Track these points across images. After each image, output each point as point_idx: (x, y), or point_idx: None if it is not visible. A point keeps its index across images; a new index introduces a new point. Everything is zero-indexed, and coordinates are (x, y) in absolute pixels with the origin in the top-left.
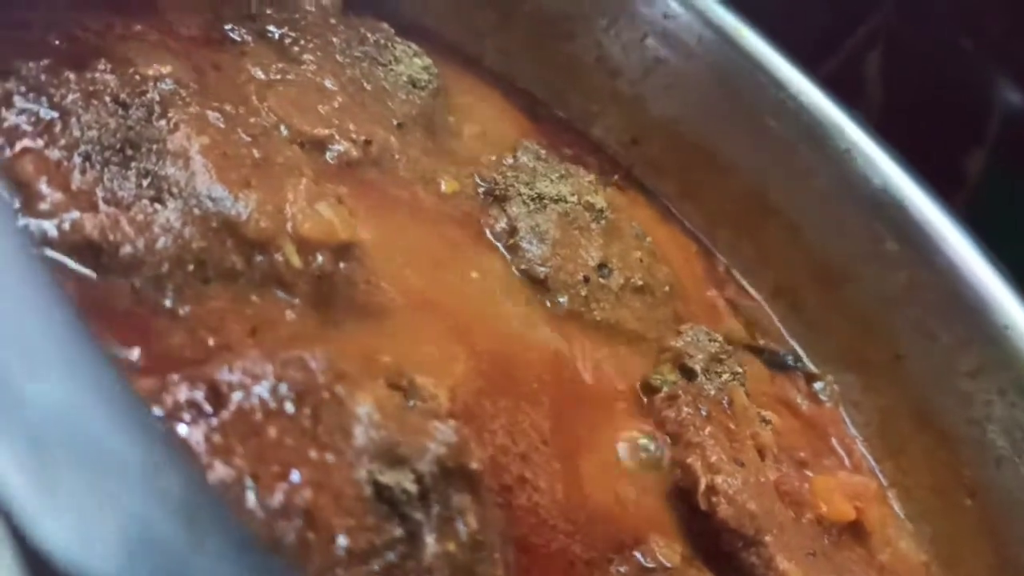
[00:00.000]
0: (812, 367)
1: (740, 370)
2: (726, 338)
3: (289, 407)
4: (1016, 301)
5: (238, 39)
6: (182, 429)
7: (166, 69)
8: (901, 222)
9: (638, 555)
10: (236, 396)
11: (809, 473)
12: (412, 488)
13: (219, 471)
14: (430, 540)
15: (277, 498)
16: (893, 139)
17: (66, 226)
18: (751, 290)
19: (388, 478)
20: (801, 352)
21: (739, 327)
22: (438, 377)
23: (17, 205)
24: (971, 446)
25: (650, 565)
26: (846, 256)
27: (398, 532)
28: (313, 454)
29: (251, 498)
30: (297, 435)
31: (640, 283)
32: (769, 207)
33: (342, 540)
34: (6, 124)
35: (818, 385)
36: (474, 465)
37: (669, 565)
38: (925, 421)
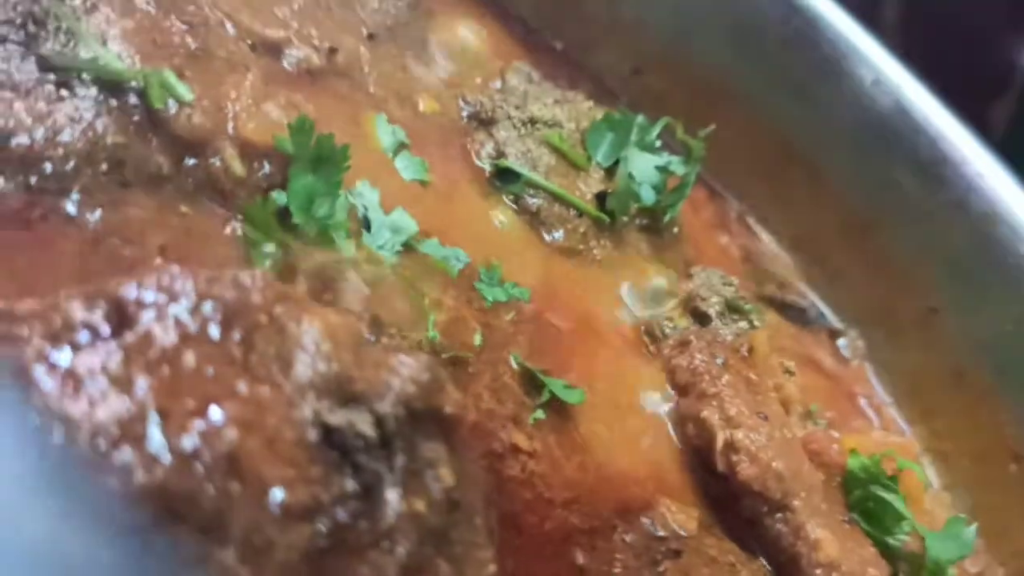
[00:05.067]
0: (835, 322)
1: (757, 320)
2: (742, 287)
3: (213, 330)
4: None
5: None
6: (68, 356)
7: None
8: (934, 159)
9: (646, 521)
10: (146, 316)
11: (836, 434)
12: (370, 432)
13: (112, 405)
14: (392, 496)
15: (190, 439)
16: (916, 42)
17: None
18: (767, 238)
19: (339, 419)
20: (822, 306)
21: (753, 276)
22: (406, 316)
23: None
24: (1015, 405)
25: (661, 533)
26: (873, 200)
27: (350, 486)
28: (242, 387)
29: (155, 437)
30: (222, 364)
31: (644, 221)
32: (786, 147)
33: (277, 493)
34: None
35: (842, 342)
36: (449, 409)
37: (684, 533)
38: (962, 379)
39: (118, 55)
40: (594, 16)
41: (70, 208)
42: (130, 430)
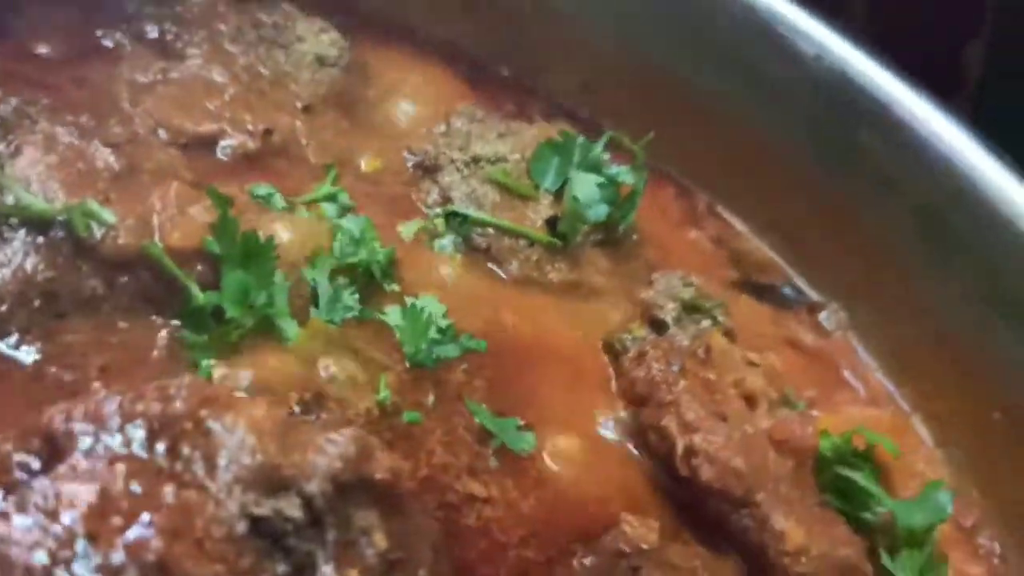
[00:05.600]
0: (815, 296)
1: (720, 315)
2: (712, 281)
3: (138, 449)
4: None
5: (111, 45)
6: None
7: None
8: (889, 125)
9: (608, 540)
10: (77, 445)
11: (816, 413)
12: (298, 515)
13: (43, 538)
14: (327, 570)
15: (118, 555)
16: (884, 35)
17: None
18: (741, 226)
19: (265, 509)
20: (801, 283)
21: (728, 266)
22: (351, 390)
23: None
24: (996, 360)
25: (623, 548)
26: (838, 173)
27: (282, 569)
28: (168, 496)
29: (85, 560)
30: (148, 478)
31: (600, 237)
32: (746, 134)
33: None
34: None
35: (823, 316)
36: (379, 475)
37: (646, 546)
38: (944, 340)
39: (42, 194)
40: (537, 39)
41: (7, 349)
42: (60, 557)
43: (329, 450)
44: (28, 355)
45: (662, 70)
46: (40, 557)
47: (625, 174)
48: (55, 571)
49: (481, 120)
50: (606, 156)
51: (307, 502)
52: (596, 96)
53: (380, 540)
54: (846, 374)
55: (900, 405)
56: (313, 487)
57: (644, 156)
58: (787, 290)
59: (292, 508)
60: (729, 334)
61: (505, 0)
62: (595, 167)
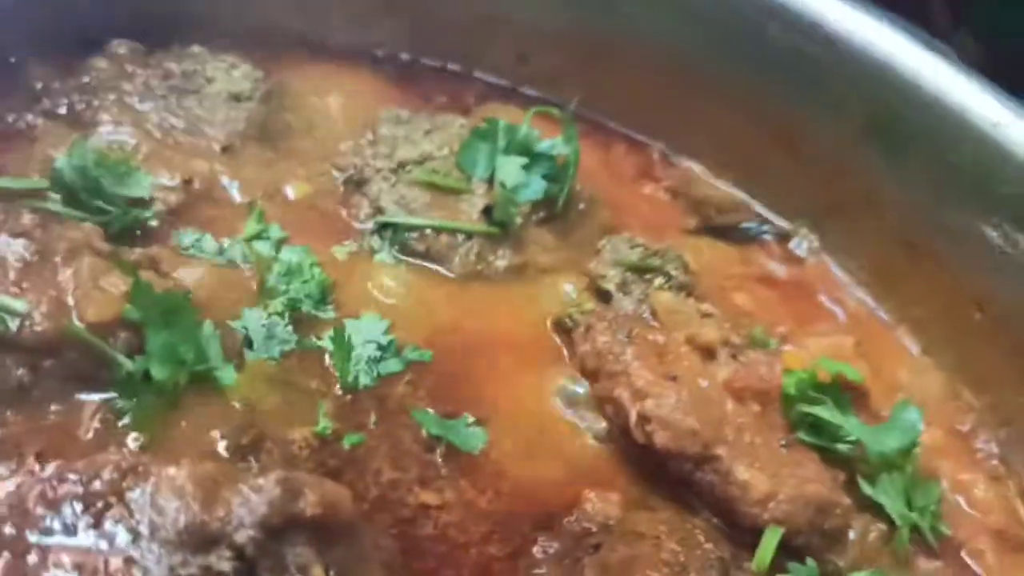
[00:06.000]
0: (784, 225)
1: (674, 270)
2: (671, 232)
3: (69, 530)
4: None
5: (24, 127)
6: None
7: None
8: (834, 46)
9: (570, 522)
10: (15, 532)
11: (788, 348)
12: (227, 568)
13: None
14: None
15: None
16: None
17: None
18: (698, 168)
19: (193, 568)
20: (767, 214)
21: (688, 214)
22: (289, 427)
23: None
24: (966, 256)
25: (587, 526)
26: (784, 97)
27: None
28: (100, 571)
29: None
30: (81, 557)
31: (542, 214)
32: (688, 73)
33: None
34: None
35: (793, 243)
36: (310, 511)
37: (611, 521)
38: (914, 248)
39: None
40: (464, 23)
41: None
42: None
43: (252, 498)
44: None
45: (592, 24)
46: None
47: (559, 146)
48: None
49: (407, 121)
50: (535, 133)
51: (238, 552)
52: (532, 66)
53: (319, 573)
54: (823, 299)
55: (882, 319)
56: (241, 536)
57: (574, 123)
58: (752, 225)
59: (222, 562)
60: (683, 287)
61: None
62: (523, 147)
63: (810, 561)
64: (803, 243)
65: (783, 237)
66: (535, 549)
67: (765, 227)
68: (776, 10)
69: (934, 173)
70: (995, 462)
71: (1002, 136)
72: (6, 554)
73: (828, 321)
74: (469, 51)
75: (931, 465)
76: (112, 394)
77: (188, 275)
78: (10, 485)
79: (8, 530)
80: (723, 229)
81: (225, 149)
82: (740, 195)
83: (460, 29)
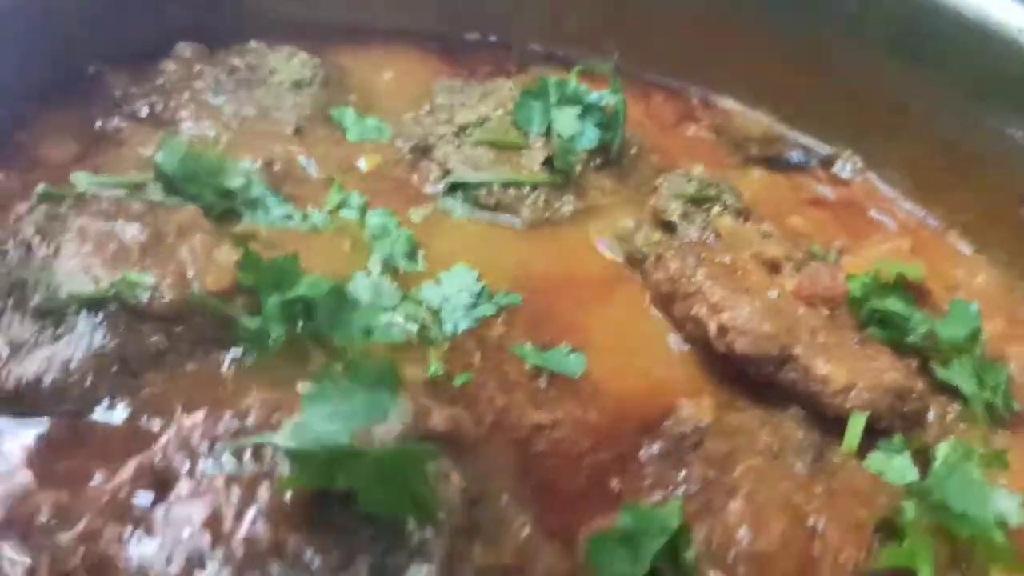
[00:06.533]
0: (826, 150)
1: (729, 198)
2: (721, 168)
3: (227, 465)
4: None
5: (111, 131)
6: (129, 531)
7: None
8: None
9: (669, 425)
10: (182, 472)
11: (845, 258)
12: None
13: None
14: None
15: (238, 551)
16: None
17: None
18: (736, 107)
19: None
20: (809, 142)
21: (733, 150)
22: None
23: None
24: (1003, 153)
25: (684, 430)
26: (809, 25)
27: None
28: (263, 491)
29: (213, 564)
30: (245, 483)
31: (599, 161)
32: (718, 19)
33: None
34: None
35: (838, 166)
36: (440, 427)
37: (703, 423)
38: (953, 150)
39: (89, 280)
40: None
41: (102, 415)
42: (192, 564)
43: (391, 421)
44: (120, 415)
45: None
46: (174, 569)
47: (606, 96)
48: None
49: (460, 90)
50: (583, 87)
51: None
52: (566, 27)
53: (457, 480)
54: (873, 214)
55: (932, 226)
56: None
57: (617, 74)
58: (796, 154)
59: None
60: (741, 213)
61: None
62: (574, 100)
63: (897, 436)
64: (847, 165)
65: (827, 162)
66: (640, 453)
67: (809, 155)
68: None
69: (962, 82)
70: None
71: None
72: (185, 485)
73: (881, 233)
74: (505, 21)
75: (997, 351)
76: (239, 350)
77: (287, 245)
78: (168, 435)
79: (179, 468)
80: (768, 161)
81: (296, 132)
82: (780, 128)
83: (494, 1)
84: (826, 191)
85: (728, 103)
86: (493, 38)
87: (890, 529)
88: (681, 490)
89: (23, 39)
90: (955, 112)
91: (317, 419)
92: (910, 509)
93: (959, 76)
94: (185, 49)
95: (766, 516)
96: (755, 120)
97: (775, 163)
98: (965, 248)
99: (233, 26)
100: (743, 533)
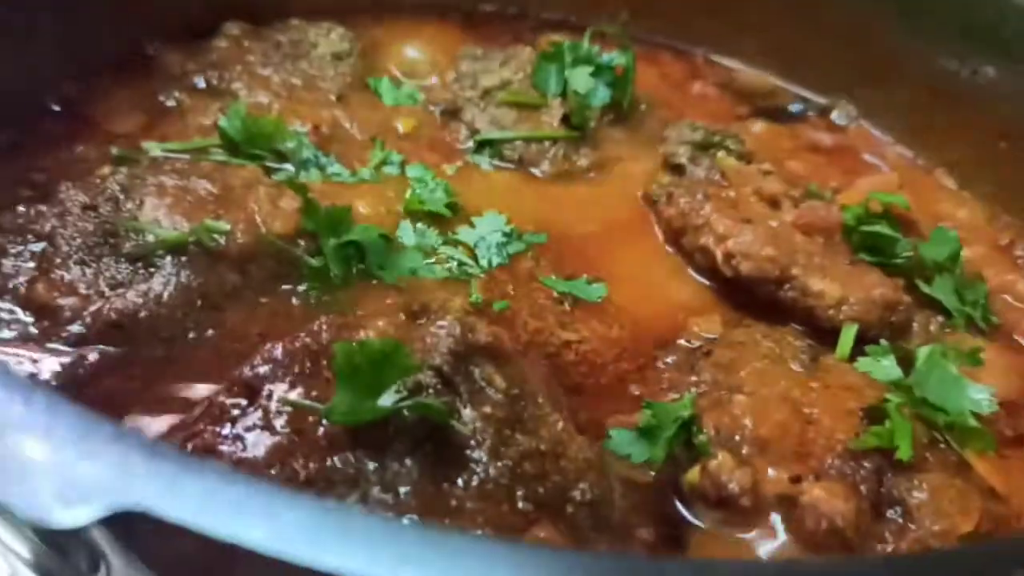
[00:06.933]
0: (823, 100)
1: (732, 144)
2: (726, 120)
3: (308, 368)
4: None
5: (174, 103)
6: (229, 429)
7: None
8: None
9: (682, 341)
10: (268, 381)
11: (838, 195)
12: (432, 381)
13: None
14: (466, 412)
15: (321, 441)
16: None
17: (88, 320)
18: (738, 64)
19: (410, 383)
20: (807, 94)
21: (737, 103)
22: (449, 299)
23: (46, 324)
24: (985, 93)
25: (695, 344)
26: None
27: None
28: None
29: (302, 449)
30: (319, 383)
31: (611, 116)
32: None
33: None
34: (6, 268)
35: (834, 115)
36: (483, 339)
37: (713, 336)
38: (941, 95)
39: (171, 227)
40: None
41: (192, 338)
42: (285, 452)
43: (440, 333)
44: (208, 341)
45: None
46: (271, 455)
47: (616, 57)
48: (288, 462)
49: (483, 57)
50: (595, 49)
51: (437, 371)
52: None
53: (499, 382)
54: (866, 157)
55: (921, 165)
56: (436, 360)
57: (627, 35)
58: (795, 105)
59: (427, 377)
60: (743, 156)
61: None
62: (587, 61)
63: (883, 342)
64: (842, 113)
65: (824, 111)
66: (657, 363)
67: (807, 105)
68: None
69: (949, 16)
70: None
71: None
72: (273, 391)
73: (873, 172)
74: None
75: (978, 272)
76: (305, 285)
77: (338, 197)
78: (257, 353)
79: (265, 377)
80: (770, 111)
81: (339, 99)
82: (779, 82)
83: None
84: (823, 138)
85: (731, 61)
86: (511, 9)
87: (876, 415)
88: (693, 390)
89: (93, 20)
90: (940, 58)
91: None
92: (895, 398)
93: (950, 12)
94: (232, 27)
95: (767, 407)
96: (756, 75)
97: (776, 114)
98: (951, 184)
99: (271, 4)
100: (747, 421)
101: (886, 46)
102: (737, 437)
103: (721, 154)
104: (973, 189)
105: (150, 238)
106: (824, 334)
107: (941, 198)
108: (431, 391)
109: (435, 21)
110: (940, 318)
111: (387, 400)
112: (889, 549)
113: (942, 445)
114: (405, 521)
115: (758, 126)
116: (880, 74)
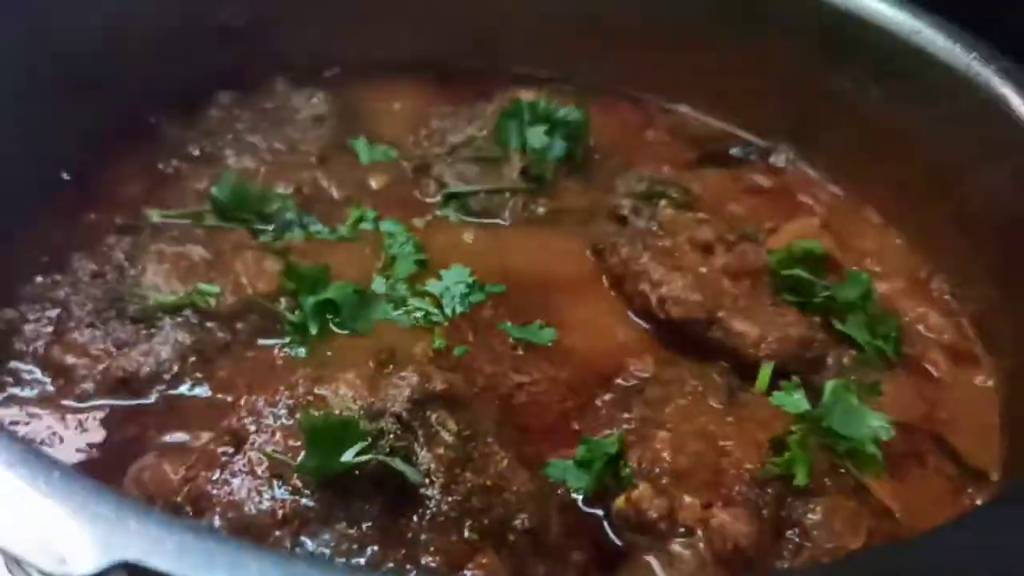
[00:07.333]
0: (764, 144)
1: (674, 192)
2: (676, 166)
3: (284, 419)
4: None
5: (172, 171)
6: (218, 474)
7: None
8: None
9: (620, 380)
10: (251, 430)
11: (771, 235)
12: (391, 426)
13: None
14: (422, 453)
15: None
16: None
17: (98, 378)
18: (687, 110)
19: (370, 428)
20: (750, 137)
21: (687, 149)
22: (413, 346)
23: (62, 383)
24: (904, 137)
25: (631, 383)
26: (742, 33)
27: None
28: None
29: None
30: (299, 434)
31: (568, 168)
32: (669, 36)
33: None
34: (27, 334)
35: (774, 158)
36: (439, 386)
37: (647, 375)
38: (867, 138)
39: (169, 291)
40: (477, 31)
41: (187, 391)
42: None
43: (401, 384)
44: (201, 392)
45: (581, 11)
46: (254, 497)
47: (572, 112)
48: (270, 503)
49: (452, 114)
50: (552, 105)
51: (397, 418)
52: (542, 52)
53: (452, 426)
54: (801, 197)
55: (850, 203)
56: (397, 408)
57: (581, 93)
58: (739, 149)
59: (388, 423)
60: (683, 204)
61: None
62: (544, 117)
63: (795, 377)
64: (782, 156)
65: (765, 154)
66: (597, 401)
67: (750, 148)
68: None
69: (874, 78)
70: (947, 297)
71: (922, 41)
72: (255, 439)
73: (806, 212)
74: (487, 50)
75: (894, 305)
76: (286, 339)
77: (318, 255)
78: (240, 404)
79: (249, 428)
80: (717, 156)
81: (320, 160)
82: (726, 127)
83: (476, 35)
84: (763, 180)
85: (683, 107)
86: (478, 65)
87: (781, 446)
88: (625, 426)
89: (102, 96)
90: (865, 104)
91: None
92: (799, 430)
93: (868, 71)
94: (224, 96)
95: (685, 441)
96: (705, 121)
97: (722, 158)
98: (877, 220)
99: (260, 69)
100: (666, 455)
101: (819, 92)
102: (657, 469)
103: (664, 202)
104: (897, 224)
105: (151, 302)
106: (747, 369)
107: (867, 234)
108: (391, 435)
109: (410, 80)
110: (853, 352)
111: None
112: (786, 565)
113: (843, 470)
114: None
115: (704, 171)
116: (814, 119)
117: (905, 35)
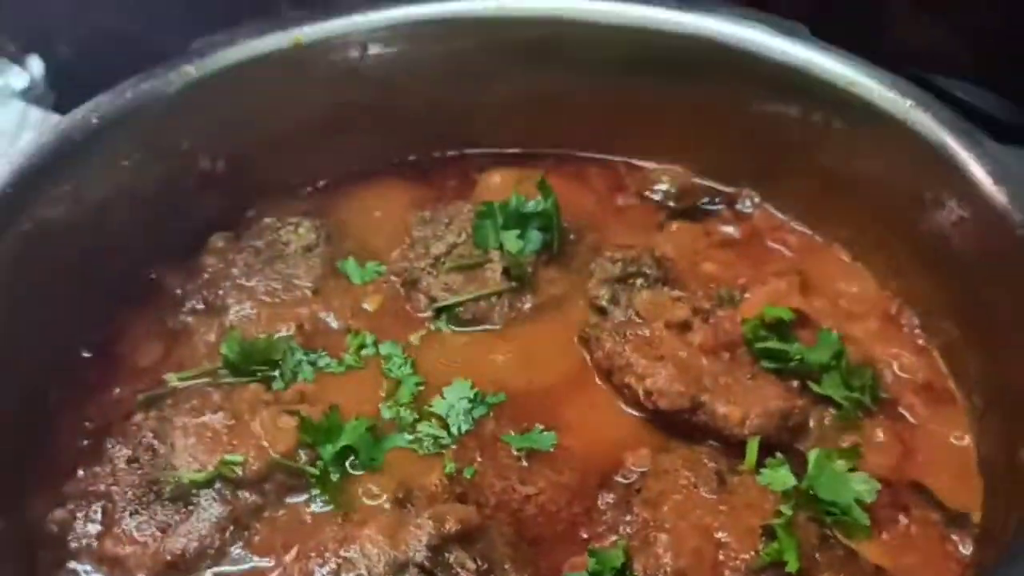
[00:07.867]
0: (729, 190)
1: (648, 268)
2: (646, 229)
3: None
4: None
5: (181, 327)
6: None
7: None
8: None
9: (619, 477)
10: None
11: (748, 295)
12: (416, 574)
13: None
14: None
15: None
16: None
17: (149, 563)
18: (652, 166)
19: None
20: (716, 185)
21: (656, 210)
22: (426, 476)
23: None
24: (862, 178)
25: (631, 479)
26: (706, 90)
27: None
28: None
29: None
30: None
31: (544, 258)
32: (627, 100)
33: None
34: (79, 531)
35: (740, 204)
36: (453, 528)
37: (645, 469)
38: (830, 178)
39: (198, 465)
40: (444, 120)
41: (230, 566)
42: None
43: (419, 534)
44: (243, 560)
45: (541, 87)
46: None
47: (540, 203)
48: None
49: (431, 220)
50: (522, 199)
51: (420, 567)
52: (509, 130)
53: (470, 564)
54: (769, 243)
55: (819, 242)
56: (419, 558)
57: (547, 184)
58: (706, 201)
59: (412, 573)
60: (658, 280)
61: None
62: (516, 214)
63: (778, 454)
64: (747, 201)
65: (731, 201)
66: (600, 503)
67: (717, 199)
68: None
69: (833, 120)
70: (917, 331)
71: (860, 91)
72: None
73: (776, 258)
74: (457, 137)
75: (869, 351)
76: (313, 492)
77: (327, 389)
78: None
79: None
80: (686, 211)
81: (315, 292)
82: (692, 179)
83: (444, 128)
84: (732, 230)
85: (648, 163)
86: (452, 152)
87: (772, 532)
88: (627, 531)
89: (101, 261)
90: (830, 144)
91: None
92: (786, 511)
93: (823, 121)
94: (218, 240)
95: (684, 540)
96: (672, 176)
97: (691, 212)
98: (846, 258)
99: (243, 200)
100: (667, 559)
101: (781, 136)
102: (661, 573)
103: (640, 281)
104: (865, 261)
105: (184, 480)
106: (736, 446)
107: (838, 273)
108: None
109: (391, 180)
110: (833, 410)
111: None
112: None
113: (832, 540)
114: None
115: (674, 227)
116: (775, 164)
117: (843, 86)
